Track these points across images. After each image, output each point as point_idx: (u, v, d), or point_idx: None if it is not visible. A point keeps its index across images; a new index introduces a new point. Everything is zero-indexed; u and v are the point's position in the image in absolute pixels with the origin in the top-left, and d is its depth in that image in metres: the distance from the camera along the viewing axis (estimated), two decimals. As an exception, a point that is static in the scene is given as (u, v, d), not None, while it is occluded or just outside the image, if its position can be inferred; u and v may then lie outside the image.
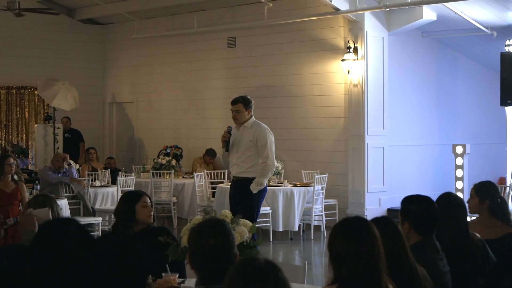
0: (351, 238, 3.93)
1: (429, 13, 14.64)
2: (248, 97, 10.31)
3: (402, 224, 5.29)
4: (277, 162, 13.47)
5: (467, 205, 6.90)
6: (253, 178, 9.99)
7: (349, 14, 14.75)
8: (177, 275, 5.30)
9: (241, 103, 10.03)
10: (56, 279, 3.43)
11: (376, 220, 4.68)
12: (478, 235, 6.11)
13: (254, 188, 9.91)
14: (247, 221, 5.57)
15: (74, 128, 19.12)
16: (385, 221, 4.66)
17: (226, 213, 5.57)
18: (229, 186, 14.08)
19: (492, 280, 5.40)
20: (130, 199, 6.47)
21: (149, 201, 6.44)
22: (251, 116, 10.14)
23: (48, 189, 13.09)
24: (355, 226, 3.99)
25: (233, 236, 4.04)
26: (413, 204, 5.35)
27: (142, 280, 3.71)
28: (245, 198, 9.94)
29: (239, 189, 10.03)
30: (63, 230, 3.57)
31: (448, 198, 6.01)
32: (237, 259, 3.98)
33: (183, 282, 5.30)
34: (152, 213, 6.39)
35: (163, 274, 5.29)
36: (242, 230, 5.37)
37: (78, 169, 14.93)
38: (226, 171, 16.16)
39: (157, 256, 5.64)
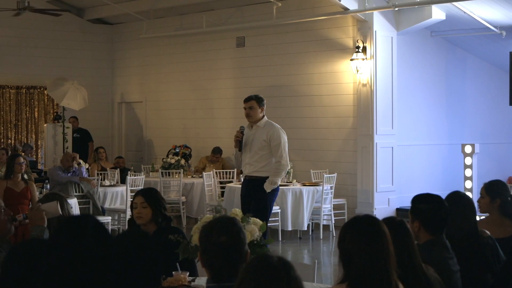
0: (361, 236, 3.93)
1: (438, 13, 14.63)
2: (260, 95, 10.30)
3: (412, 223, 5.30)
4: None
5: (477, 204, 6.91)
6: (266, 177, 9.96)
7: (358, 14, 14.74)
8: (188, 274, 5.31)
9: (254, 100, 10.03)
10: (73, 275, 3.44)
11: (385, 220, 4.69)
12: (488, 232, 6.11)
13: (268, 187, 9.90)
14: (258, 220, 5.58)
15: (82, 127, 19.14)
16: (393, 221, 4.66)
17: (236, 212, 5.58)
18: (238, 186, 14.19)
19: (501, 279, 5.41)
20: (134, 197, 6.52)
21: (141, 200, 6.34)
22: (264, 116, 10.13)
23: (57, 188, 13.12)
24: (364, 224, 3.99)
25: (244, 234, 4.05)
26: (424, 203, 5.34)
27: (157, 277, 3.73)
28: (258, 197, 9.92)
29: (252, 188, 10.00)
30: (81, 226, 3.58)
31: (457, 197, 6.01)
32: (248, 257, 3.99)
33: (193, 280, 5.32)
34: (140, 214, 6.32)
35: (173, 272, 5.30)
36: (253, 228, 5.38)
37: (87, 169, 14.96)
38: (235, 170, 16.18)
39: (169, 255, 5.66)
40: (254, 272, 3.07)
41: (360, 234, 3.94)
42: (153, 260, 3.68)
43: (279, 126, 10.18)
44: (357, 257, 3.89)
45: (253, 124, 10.07)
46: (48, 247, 3.58)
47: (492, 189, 6.79)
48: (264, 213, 9.83)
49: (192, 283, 5.25)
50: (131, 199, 6.73)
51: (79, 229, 3.57)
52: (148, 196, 6.35)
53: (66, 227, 3.61)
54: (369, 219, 4.04)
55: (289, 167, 10.35)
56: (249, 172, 10.05)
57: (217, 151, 17.34)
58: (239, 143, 10.01)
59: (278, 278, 3.04)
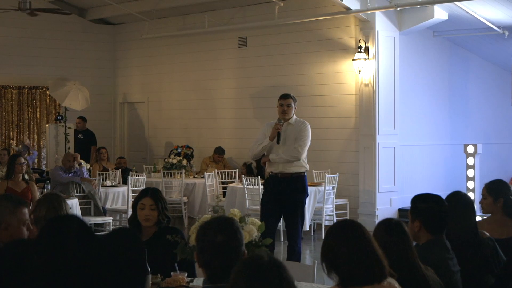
0: (345, 240, 3.94)
1: (440, 13, 14.59)
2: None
3: (412, 222, 5.27)
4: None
5: (479, 205, 6.88)
6: (304, 172, 9.95)
7: (360, 14, 14.71)
8: (186, 274, 5.29)
9: (291, 98, 10.05)
10: (57, 276, 3.41)
11: (382, 222, 4.68)
12: (487, 233, 6.08)
13: (271, 157, 9.88)
14: (256, 220, 5.55)
15: (89, 129, 19.05)
16: (390, 223, 4.65)
17: (235, 212, 5.55)
18: (240, 186, 14.17)
19: (502, 279, 5.38)
20: (136, 197, 6.44)
21: (150, 202, 6.26)
22: (294, 114, 10.16)
23: (59, 188, 13.12)
24: (356, 229, 4.01)
25: (241, 233, 4.02)
26: (424, 202, 5.32)
27: (142, 278, 3.69)
28: (297, 194, 9.84)
29: (288, 185, 9.88)
30: (65, 227, 3.55)
31: (457, 197, 5.99)
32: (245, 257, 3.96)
33: (191, 281, 5.29)
34: (148, 216, 6.24)
35: (171, 273, 5.28)
36: (251, 228, 5.35)
37: (89, 169, 14.94)
38: (237, 170, 16.18)
39: (168, 255, 5.63)
40: (245, 272, 3.05)
41: (342, 237, 3.96)
42: (138, 261, 3.65)
43: (309, 124, 10.17)
44: (343, 262, 3.90)
45: (285, 121, 10.06)
46: (32, 248, 3.55)
47: (494, 189, 6.76)
48: (302, 210, 9.92)
49: (191, 284, 5.23)
50: (133, 199, 6.67)
51: (62, 229, 3.54)
52: (156, 198, 6.29)
53: (50, 228, 3.58)
54: (358, 224, 4.06)
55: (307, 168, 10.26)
56: (282, 169, 9.95)
57: (221, 151, 17.33)
58: (278, 135, 9.93)
59: (269, 279, 3.02)
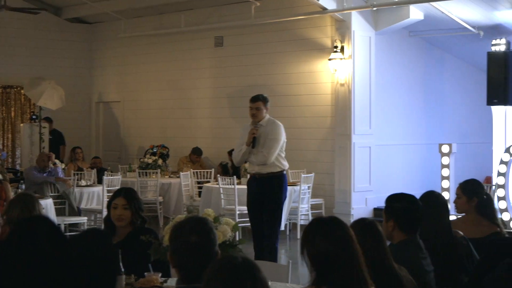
0: (335, 239, 3.89)
1: (416, 13, 14.64)
2: (266, 95, 10.28)
3: (386, 222, 5.28)
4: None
5: (453, 205, 6.90)
6: (280, 172, 9.97)
7: (336, 13, 14.73)
8: (160, 275, 5.27)
9: (261, 101, 10.03)
10: (27, 277, 3.39)
11: (355, 221, 4.68)
12: (461, 233, 6.11)
13: (249, 160, 10.01)
14: (230, 220, 5.54)
15: (56, 129, 18.98)
16: (364, 222, 4.66)
17: (209, 212, 5.53)
18: (216, 186, 14.15)
19: (475, 278, 5.39)
20: (111, 197, 6.40)
21: (123, 202, 6.22)
22: (266, 114, 10.14)
23: (33, 188, 13.03)
24: (334, 227, 3.96)
25: (214, 234, 4.01)
26: (398, 202, 5.33)
27: (112, 278, 3.67)
28: (273, 193, 9.91)
29: (265, 185, 9.94)
30: (35, 228, 3.52)
31: (431, 197, 6.01)
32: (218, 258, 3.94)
33: (165, 281, 5.27)
34: (121, 216, 6.20)
35: (145, 273, 5.25)
36: (225, 229, 5.34)
37: (63, 169, 14.86)
38: (213, 170, 16.16)
39: (142, 256, 5.60)
40: (218, 273, 3.04)
41: (333, 237, 3.90)
42: (108, 261, 3.63)
43: (281, 124, 10.17)
44: (333, 261, 3.85)
45: (256, 122, 10.05)
46: (2, 249, 3.52)
47: (468, 188, 6.80)
48: (280, 207, 9.96)
49: (164, 284, 5.21)
50: (108, 199, 6.64)
51: (32, 230, 3.52)
52: (129, 198, 6.26)
53: (20, 229, 3.56)
54: (335, 221, 4.01)
55: (287, 167, 10.32)
56: (259, 170, 9.98)
57: (198, 152, 17.32)
58: (254, 140, 9.94)
59: (242, 279, 3.01)
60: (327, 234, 3.90)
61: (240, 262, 3.05)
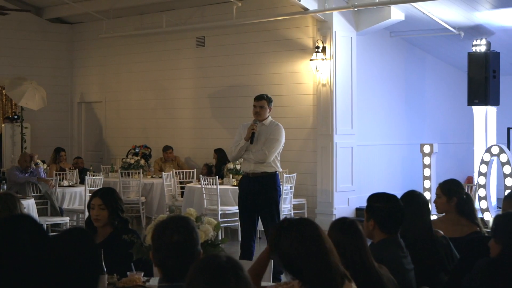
0: (301, 239, 3.94)
1: (397, 13, 14.70)
2: (270, 95, 10.32)
3: (367, 221, 5.32)
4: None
5: (433, 204, 6.94)
6: (273, 172, 10.02)
7: (317, 14, 14.77)
8: (142, 274, 5.28)
9: (266, 100, 10.07)
10: (9, 276, 3.39)
11: (335, 221, 4.71)
12: (441, 232, 6.15)
13: (244, 157, 10.04)
14: (212, 219, 5.56)
15: None
16: (344, 222, 4.69)
17: (191, 212, 5.55)
18: (198, 186, 14.16)
19: (455, 277, 5.44)
20: (90, 198, 6.43)
21: (99, 202, 6.25)
22: (269, 115, 10.17)
23: (15, 188, 13.01)
24: (301, 227, 4.00)
25: (197, 233, 4.04)
26: (379, 202, 5.36)
27: (95, 278, 3.67)
28: (267, 192, 9.96)
29: (259, 184, 9.99)
30: (17, 226, 3.53)
31: (412, 196, 6.04)
32: (201, 257, 3.97)
33: (148, 280, 5.29)
34: (98, 216, 6.22)
35: (128, 272, 5.27)
36: (207, 228, 5.36)
37: (45, 169, 14.83)
38: (195, 170, 16.17)
39: (124, 256, 5.62)
40: (202, 272, 3.05)
41: (299, 237, 3.95)
42: (91, 260, 3.63)
43: (282, 127, 10.22)
44: (300, 260, 3.89)
45: (260, 121, 10.09)
46: None
47: (448, 188, 6.83)
48: (277, 206, 10.03)
49: (147, 284, 5.23)
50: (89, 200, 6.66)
51: (15, 229, 3.52)
52: (106, 198, 6.27)
53: (2, 227, 3.56)
54: (304, 221, 4.06)
55: (280, 170, 10.40)
56: (254, 169, 10.02)
57: (167, 147, 17.32)
58: (252, 135, 9.97)
59: (226, 278, 3.02)
60: (293, 235, 3.95)
61: (224, 261, 3.06)
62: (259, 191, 9.99)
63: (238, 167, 13.81)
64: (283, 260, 3.94)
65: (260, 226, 10.47)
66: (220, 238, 5.64)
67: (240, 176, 11.25)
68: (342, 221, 4.70)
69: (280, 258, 3.95)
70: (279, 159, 10.19)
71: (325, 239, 3.95)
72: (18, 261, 3.41)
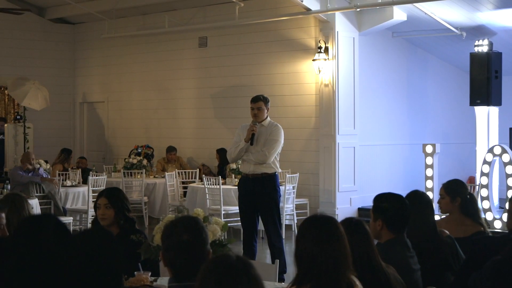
0: (321, 237, 3.96)
1: (399, 14, 14.72)
2: (266, 96, 10.34)
3: (374, 221, 5.33)
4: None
5: (437, 205, 6.96)
6: (273, 173, 10.04)
7: (320, 14, 14.79)
8: (150, 274, 5.31)
9: (263, 101, 10.07)
10: (34, 275, 3.42)
11: (343, 221, 4.73)
12: (447, 232, 6.16)
13: (244, 158, 10.04)
14: (219, 220, 5.59)
15: None
16: (351, 222, 4.71)
17: (198, 212, 5.58)
18: (201, 186, 14.19)
19: (461, 277, 5.46)
20: (96, 198, 6.47)
21: (105, 202, 6.32)
22: (267, 116, 10.18)
23: (18, 188, 13.02)
24: (323, 226, 4.02)
25: (206, 233, 4.06)
26: (387, 202, 5.37)
27: (119, 277, 3.71)
28: (267, 193, 9.98)
29: (259, 185, 10.00)
30: (42, 226, 3.55)
31: (416, 196, 6.05)
32: (210, 256, 3.99)
33: (155, 280, 5.31)
34: (104, 215, 6.29)
35: (135, 272, 5.29)
36: (215, 228, 5.39)
37: (45, 170, 14.82)
38: (197, 170, 16.18)
39: (131, 255, 5.65)
40: (213, 271, 3.06)
41: (322, 234, 3.96)
42: (114, 259, 3.66)
43: (281, 127, 10.23)
44: (317, 259, 3.91)
45: (258, 122, 10.10)
46: (8, 246, 3.55)
47: (451, 188, 6.85)
48: (277, 207, 10.09)
49: (154, 283, 5.25)
50: (94, 200, 6.70)
51: (39, 228, 3.55)
52: (112, 197, 6.32)
53: (27, 227, 3.59)
54: (329, 220, 4.08)
55: (280, 171, 10.43)
56: (254, 170, 10.04)
57: (171, 149, 17.34)
58: (252, 137, 9.99)
59: (237, 277, 3.03)
60: (311, 235, 3.97)
61: (235, 261, 3.08)
62: (258, 192, 10.01)
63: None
64: (297, 259, 3.96)
65: (260, 226, 10.48)
66: (225, 238, 5.67)
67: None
68: (349, 221, 4.71)
69: (295, 257, 3.97)
70: (278, 159, 10.21)
71: (342, 242, 3.98)
72: (43, 260, 3.43)
